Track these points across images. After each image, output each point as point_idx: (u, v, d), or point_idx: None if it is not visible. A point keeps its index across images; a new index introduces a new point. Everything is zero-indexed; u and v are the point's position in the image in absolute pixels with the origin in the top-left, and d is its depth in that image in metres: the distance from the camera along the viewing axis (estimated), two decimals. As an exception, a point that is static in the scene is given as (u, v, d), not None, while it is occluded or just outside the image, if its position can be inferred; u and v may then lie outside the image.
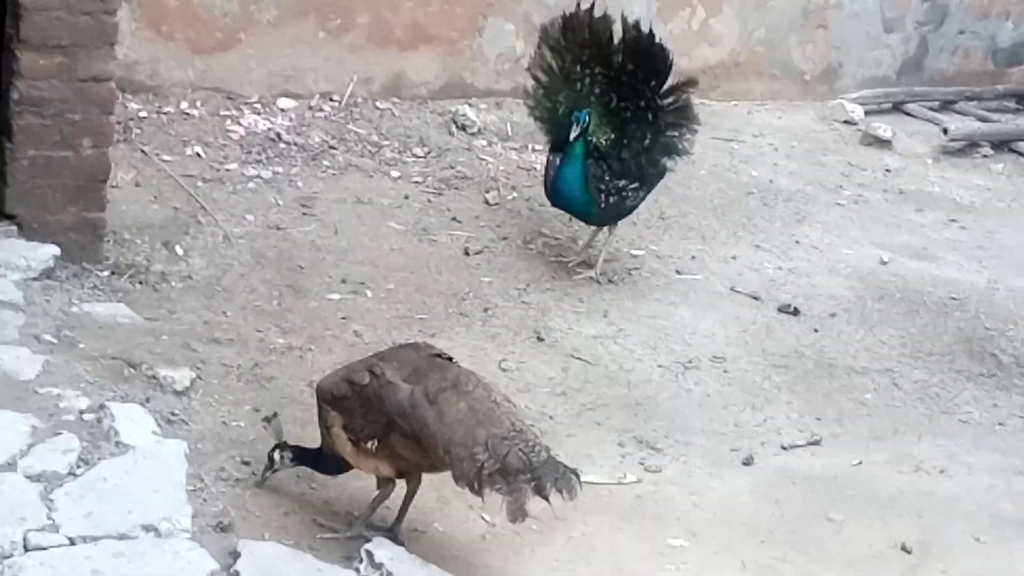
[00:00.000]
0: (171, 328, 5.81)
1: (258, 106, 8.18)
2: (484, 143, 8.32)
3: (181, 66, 8.09)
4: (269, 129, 7.95)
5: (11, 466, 4.48)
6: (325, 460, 4.81)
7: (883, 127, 9.52)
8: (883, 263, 7.73)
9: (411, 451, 4.59)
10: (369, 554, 4.50)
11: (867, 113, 9.81)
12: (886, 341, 6.88)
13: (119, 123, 7.11)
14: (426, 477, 4.81)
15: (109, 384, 5.19)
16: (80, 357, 5.33)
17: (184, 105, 7.99)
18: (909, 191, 8.88)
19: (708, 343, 6.60)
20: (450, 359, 4.77)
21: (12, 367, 5.08)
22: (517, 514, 4.39)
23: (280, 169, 7.57)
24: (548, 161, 7.04)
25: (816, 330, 6.89)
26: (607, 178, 6.85)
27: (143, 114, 7.80)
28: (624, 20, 7.04)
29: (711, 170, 8.59)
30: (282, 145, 7.84)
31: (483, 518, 4.98)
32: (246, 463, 4.97)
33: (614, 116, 6.96)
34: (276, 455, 4.82)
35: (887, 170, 9.15)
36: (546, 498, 4.41)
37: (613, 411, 5.91)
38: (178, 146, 7.58)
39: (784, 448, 5.86)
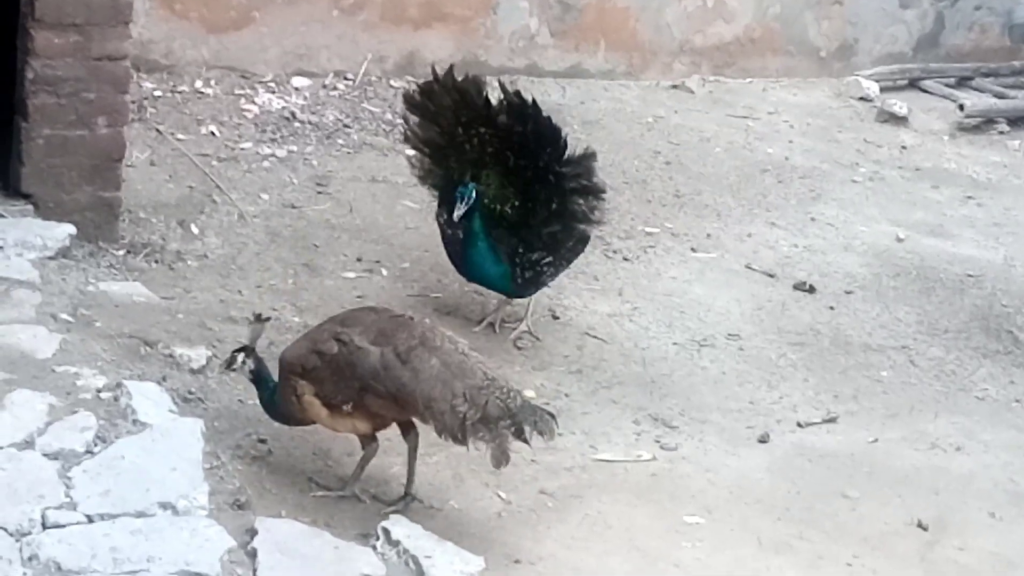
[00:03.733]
0: (187, 307, 5.82)
1: (272, 85, 8.18)
2: (498, 121, 8.29)
3: (195, 45, 8.09)
4: (283, 108, 7.95)
5: (29, 444, 4.50)
6: (275, 407, 4.82)
7: (899, 104, 9.48)
8: (899, 240, 7.70)
9: (388, 409, 4.68)
10: (386, 531, 4.51)
11: (883, 90, 9.76)
12: (902, 318, 6.87)
13: (134, 102, 7.11)
14: (442, 455, 4.82)
15: (126, 362, 5.20)
16: (97, 336, 5.34)
17: (199, 84, 7.99)
18: (925, 168, 8.85)
19: (723, 321, 6.59)
20: (411, 318, 4.81)
21: (29, 346, 5.09)
22: (501, 459, 4.56)
23: (295, 148, 7.57)
24: (448, 233, 6.18)
25: (832, 307, 6.88)
26: (520, 250, 6.07)
27: (158, 93, 7.81)
28: (501, 84, 6.41)
29: (726, 147, 8.56)
30: (296, 124, 7.83)
31: (499, 495, 4.99)
32: (263, 441, 4.98)
33: (515, 177, 6.17)
34: (240, 357, 4.80)
35: (903, 147, 9.11)
36: (526, 441, 4.57)
37: (628, 389, 5.91)
38: (193, 125, 7.58)
39: (800, 425, 5.86)
